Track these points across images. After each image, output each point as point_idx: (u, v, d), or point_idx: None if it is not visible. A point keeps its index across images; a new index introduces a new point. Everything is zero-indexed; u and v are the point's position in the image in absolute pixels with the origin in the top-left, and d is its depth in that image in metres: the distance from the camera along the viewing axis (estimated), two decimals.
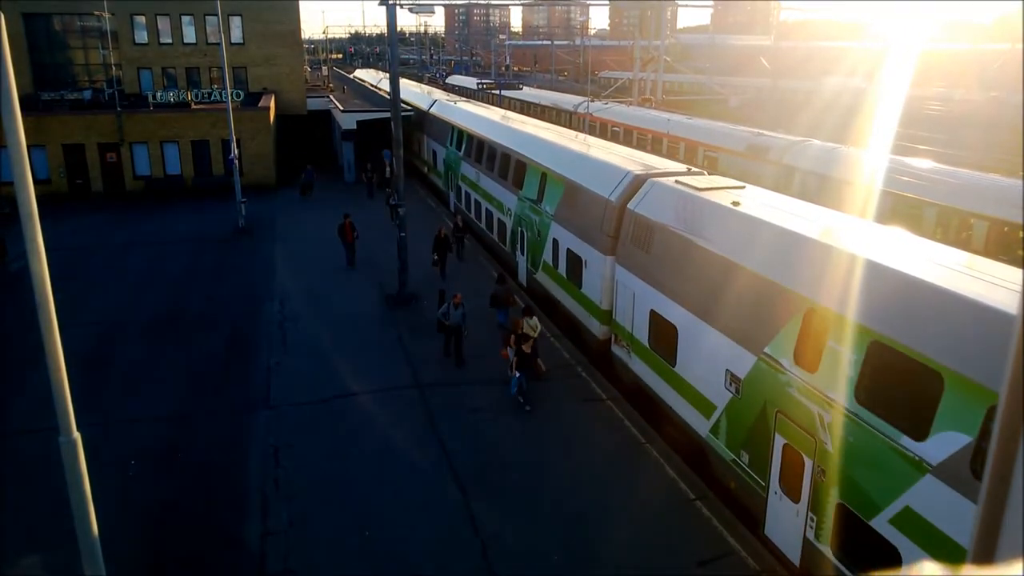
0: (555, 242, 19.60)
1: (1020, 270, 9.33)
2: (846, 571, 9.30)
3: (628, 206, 15.72)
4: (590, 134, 30.74)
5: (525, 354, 15.17)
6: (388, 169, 32.70)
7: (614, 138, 34.85)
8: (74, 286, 22.26)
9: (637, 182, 16.10)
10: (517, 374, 15.01)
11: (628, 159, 18.74)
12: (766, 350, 10.91)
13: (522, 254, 22.54)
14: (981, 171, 21.05)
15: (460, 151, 30.49)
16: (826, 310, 9.90)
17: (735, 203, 13.01)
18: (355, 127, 39.15)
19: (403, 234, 21.22)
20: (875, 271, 9.49)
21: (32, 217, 6.61)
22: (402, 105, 22.73)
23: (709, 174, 17.22)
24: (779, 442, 10.61)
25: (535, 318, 17.63)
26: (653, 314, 14.42)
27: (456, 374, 16.49)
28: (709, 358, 12.44)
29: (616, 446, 13.75)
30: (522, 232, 22.38)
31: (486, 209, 26.52)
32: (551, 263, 19.93)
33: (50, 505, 10.71)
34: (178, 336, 18.93)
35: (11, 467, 12.70)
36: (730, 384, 11.81)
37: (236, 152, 29.58)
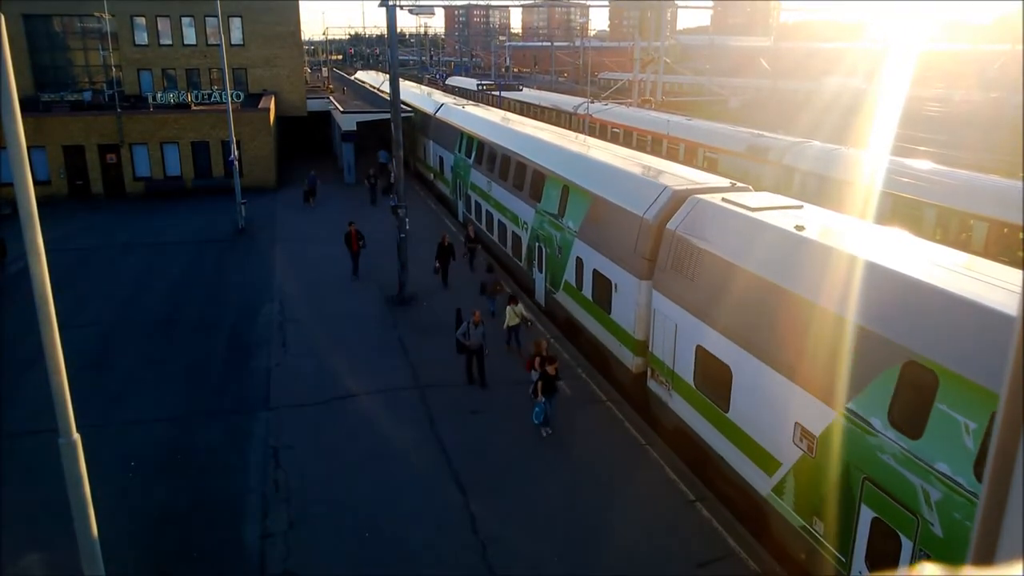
0: (579, 261, 17.96)
1: None
2: None
3: (668, 226, 14.06)
4: (590, 135, 30.69)
5: (550, 377, 13.60)
6: (392, 175, 31.28)
7: (614, 139, 34.87)
8: (74, 287, 22.28)
9: (676, 199, 14.48)
10: (542, 399, 13.65)
11: (663, 171, 17.19)
12: (850, 406, 9.30)
13: (540, 272, 20.94)
14: (981, 172, 21.07)
15: (470, 158, 28.94)
16: (933, 365, 8.27)
17: (799, 227, 11.38)
18: (355, 128, 39.19)
19: (403, 235, 21.24)
20: (1001, 322, 7.73)
21: (32, 218, 6.62)
22: (404, 107, 22.67)
23: (756, 189, 15.64)
24: (867, 515, 9.11)
25: (520, 304, 17.68)
26: (700, 350, 12.75)
27: (455, 375, 16.46)
28: (773, 407, 10.79)
29: (616, 448, 13.74)
30: (540, 248, 20.74)
31: (499, 221, 24.92)
32: (574, 284, 18.34)
33: (51, 506, 10.72)
34: (178, 337, 18.93)
35: (12, 468, 12.68)
36: (800, 440, 10.15)
37: (236, 153, 29.61)
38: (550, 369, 13.60)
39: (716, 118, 38.99)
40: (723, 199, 13.49)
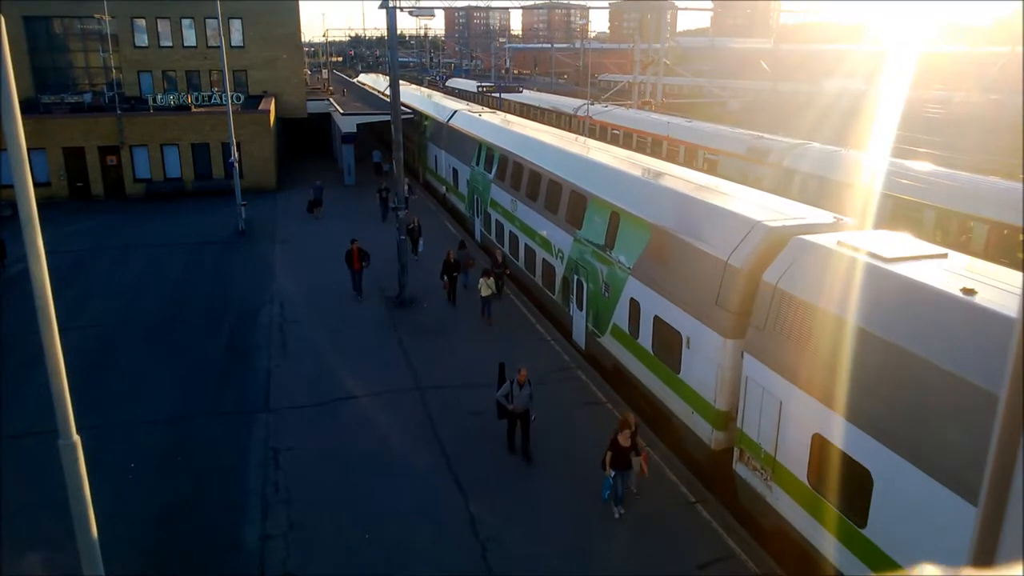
0: (634, 304, 15.29)
1: None
2: None
3: (766, 277, 11.25)
4: (590, 137, 30.65)
5: (622, 448, 11.61)
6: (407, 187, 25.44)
7: (614, 141, 34.90)
8: (74, 289, 22.31)
9: (774, 240, 11.69)
10: (612, 473, 11.70)
11: (743, 200, 14.20)
12: None
13: (579, 309, 18.27)
14: (981, 174, 21.06)
15: (490, 172, 26.22)
16: None
17: (968, 291, 8.67)
18: (355, 130, 39.22)
19: (403, 236, 21.26)
20: None
21: (32, 220, 6.62)
22: (406, 108, 22.62)
23: (862, 225, 13.00)
24: None
25: (492, 278, 17.63)
26: (820, 441, 10.02)
27: (455, 376, 16.45)
28: (945, 537, 8.14)
29: None
30: (579, 282, 18.10)
31: (525, 245, 22.38)
32: (626, 330, 15.71)
33: (51, 506, 10.72)
34: (178, 339, 18.93)
35: (13, 468, 12.68)
36: None
37: (236, 155, 29.64)
38: (621, 439, 11.59)
39: (716, 120, 39.00)
40: (839, 243, 10.69)
